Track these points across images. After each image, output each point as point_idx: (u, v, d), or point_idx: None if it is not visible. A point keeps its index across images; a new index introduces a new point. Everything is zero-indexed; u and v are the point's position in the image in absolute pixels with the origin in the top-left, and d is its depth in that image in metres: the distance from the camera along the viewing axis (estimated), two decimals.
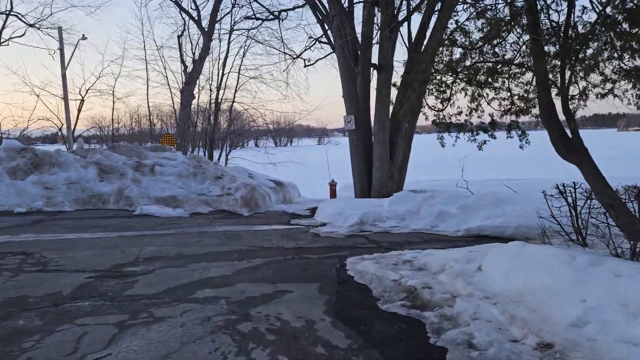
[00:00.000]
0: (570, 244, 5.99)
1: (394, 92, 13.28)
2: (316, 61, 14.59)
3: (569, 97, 7.08)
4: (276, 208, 13.47)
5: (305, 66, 14.55)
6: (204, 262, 6.89)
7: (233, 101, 22.42)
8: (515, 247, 5.02)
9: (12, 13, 23.21)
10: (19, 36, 23.35)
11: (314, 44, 13.89)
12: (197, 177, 14.07)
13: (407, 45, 12.96)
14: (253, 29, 21.79)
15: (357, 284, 5.86)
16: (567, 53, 6.64)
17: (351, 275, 6.26)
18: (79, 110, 21.44)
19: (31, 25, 23.56)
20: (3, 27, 23.00)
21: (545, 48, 7.13)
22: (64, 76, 17.77)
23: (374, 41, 13.46)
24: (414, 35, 12.89)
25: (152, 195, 12.97)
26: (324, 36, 14.00)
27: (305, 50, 14.20)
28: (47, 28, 21.94)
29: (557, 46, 6.93)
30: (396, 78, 13.66)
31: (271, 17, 18.99)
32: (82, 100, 21.51)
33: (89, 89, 22.05)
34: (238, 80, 22.36)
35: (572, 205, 6.02)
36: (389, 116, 13.10)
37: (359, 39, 13.22)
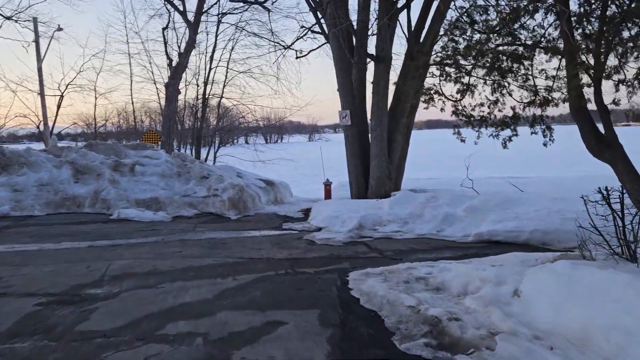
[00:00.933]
0: (616, 258, 4.94)
1: (391, 89, 12.24)
2: (309, 52, 13.47)
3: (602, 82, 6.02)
4: (267, 210, 12.35)
5: (297, 57, 13.44)
6: (180, 281, 5.75)
7: (221, 96, 21.22)
8: (564, 269, 3.96)
9: None
10: None
11: (306, 33, 12.81)
12: (182, 177, 12.91)
13: (407, 34, 11.88)
14: (241, 22, 20.53)
15: (365, 310, 4.77)
16: (603, 33, 5.59)
17: (356, 297, 5.17)
18: (58, 107, 20.17)
19: (8, 18, 22.15)
20: None
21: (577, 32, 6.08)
22: (39, 70, 16.50)
23: (371, 30, 12.37)
24: (413, 24, 11.82)
25: (131, 198, 11.79)
26: (316, 25, 12.89)
27: (297, 40, 13.15)
28: (25, 21, 20.51)
29: (591, 26, 5.88)
30: (393, 73, 12.60)
31: (259, 2, 17.83)
32: (62, 96, 20.24)
33: (68, 84, 20.74)
34: (226, 75, 21.14)
35: (618, 213, 4.96)
36: (387, 111, 12.02)
37: (355, 28, 12.11)
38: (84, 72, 27.28)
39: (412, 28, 11.73)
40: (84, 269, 6.30)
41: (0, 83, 28.92)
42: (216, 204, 11.83)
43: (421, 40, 11.85)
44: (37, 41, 16.60)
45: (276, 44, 15.51)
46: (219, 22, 20.74)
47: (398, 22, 11.91)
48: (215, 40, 20.92)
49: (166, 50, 19.77)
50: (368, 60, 12.28)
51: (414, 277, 5.64)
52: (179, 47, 20.64)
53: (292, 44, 13.12)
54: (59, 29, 16.95)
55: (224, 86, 21.29)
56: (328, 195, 12.13)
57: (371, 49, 12.13)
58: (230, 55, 20.95)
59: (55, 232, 8.99)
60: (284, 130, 65.92)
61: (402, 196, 10.72)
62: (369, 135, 12.33)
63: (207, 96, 21.19)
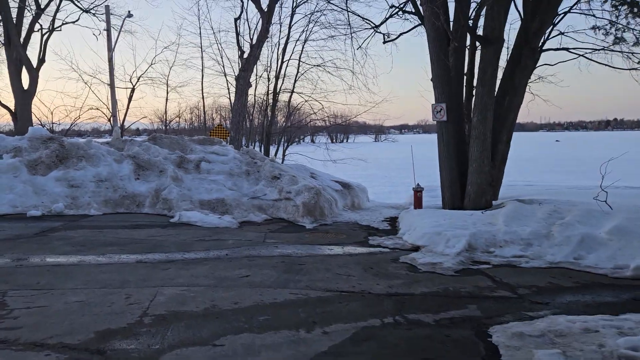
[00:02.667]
0: None
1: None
2: (398, 36, 11.38)
3: None
4: (345, 217, 10.39)
5: (384, 42, 11.39)
6: (248, 333, 3.86)
7: (292, 91, 19.50)
8: None
9: None
10: (73, 22, 21.31)
11: (396, 12, 10.69)
12: (251, 176, 11.19)
13: (521, 10, 9.56)
14: (317, 12, 18.68)
15: None
16: None
17: None
18: (130, 99, 19.23)
19: (86, 11, 21.51)
20: (57, 12, 21.05)
21: None
22: (110, 60, 15.40)
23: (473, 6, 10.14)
24: None
25: (195, 198, 10.18)
26: (409, 3, 10.75)
27: (385, 20, 10.97)
28: (103, 14, 19.67)
29: None
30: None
31: None
32: (133, 89, 19.29)
33: (140, 76, 19.77)
34: (298, 69, 19.40)
35: None
36: (493, 104, 9.74)
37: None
38: (156, 65, 26.45)
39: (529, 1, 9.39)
40: (122, 301, 4.55)
41: (74, 75, 28.51)
42: (288, 209, 10.00)
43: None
44: (108, 30, 15.51)
45: (364, 23, 13.45)
46: (294, 12, 19.04)
47: None
48: (289, 32, 19.23)
49: (238, 42, 18.28)
50: (473, 43, 10.06)
51: (608, 352, 3.47)
52: (251, 39, 19.12)
53: (381, 24, 11.16)
54: (129, 15, 15.82)
55: (295, 80, 19.57)
56: (418, 203, 10.00)
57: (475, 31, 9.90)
58: (303, 48, 19.19)
59: (105, 239, 7.41)
60: (349, 130, 64.15)
61: (515, 209, 8.44)
62: (471, 133, 10.09)
63: (278, 90, 19.53)
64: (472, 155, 9.90)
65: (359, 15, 17.82)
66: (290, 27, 19.20)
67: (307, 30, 19.09)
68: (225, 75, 20.84)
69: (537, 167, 31.70)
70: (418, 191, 9.99)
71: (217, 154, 11.66)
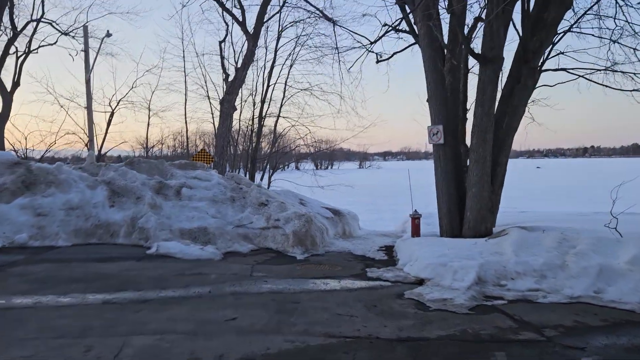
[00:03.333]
0: None
1: None
2: (392, 55, 10.84)
3: None
4: (337, 246, 9.62)
5: (377, 62, 10.83)
6: None
7: (278, 116, 18.86)
8: None
9: (43, 20, 20.51)
10: (51, 44, 20.55)
11: (388, 32, 10.16)
12: (236, 203, 10.38)
13: (519, 29, 9.09)
14: (303, 35, 18.22)
15: None
16: None
17: None
18: (109, 123, 18.34)
19: (65, 34, 20.80)
20: (33, 34, 20.29)
21: None
22: (87, 81, 14.59)
23: (469, 20, 9.66)
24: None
25: (175, 227, 9.32)
26: (402, 21, 10.22)
27: (378, 39, 10.42)
28: (82, 36, 18.95)
29: None
30: None
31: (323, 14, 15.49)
32: (112, 113, 18.44)
33: (120, 99, 18.95)
34: (284, 93, 18.81)
35: None
36: (492, 126, 9.17)
37: (455, 20, 9.38)
38: (137, 88, 25.46)
39: (529, 18, 8.92)
40: (79, 357, 3.70)
41: (50, 97, 27.46)
42: (277, 238, 9.20)
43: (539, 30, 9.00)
44: (86, 50, 14.75)
45: (354, 43, 12.91)
46: (280, 35, 18.55)
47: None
48: (275, 55, 18.70)
49: (223, 65, 17.67)
50: (462, 62, 9.54)
51: None
52: (236, 62, 18.54)
53: (375, 41, 10.50)
54: (108, 35, 15.11)
55: (282, 105, 18.96)
56: (416, 231, 9.28)
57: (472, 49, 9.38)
58: (289, 71, 18.66)
59: (70, 274, 6.51)
60: (334, 157, 63.75)
61: (522, 237, 7.77)
62: (470, 156, 9.48)
63: (263, 115, 18.89)
64: (471, 179, 9.28)
65: (352, 32, 17.34)
66: (276, 51, 18.70)
67: (293, 54, 18.60)
68: (209, 99, 20.16)
69: (525, 194, 31.38)
70: (416, 218, 9.28)
71: (200, 179, 10.85)
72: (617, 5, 9.42)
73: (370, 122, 21.85)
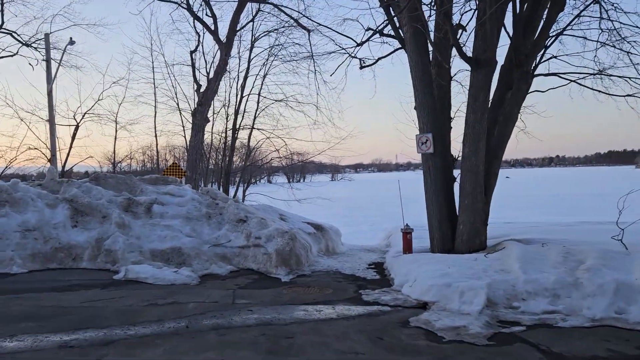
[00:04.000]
0: None
1: None
2: (376, 61, 10.17)
3: None
4: (323, 265, 8.85)
5: (361, 67, 10.17)
6: None
7: (252, 127, 18.02)
8: None
9: (3, 30, 19.22)
10: (11, 54, 19.25)
11: (373, 36, 9.51)
12: (212, 220, 9.51)
13: (512, 32, 8.59)
14: (277, 45, 17.52)
15: None
16: None
17: None
18: (73, 137, 17.16)
19: (26, 44, 19.53)
20: None
21: None
22: (49, 93, 13.52)
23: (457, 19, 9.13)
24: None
25: (146, 248, 8.39)
26: (388, 26, 9.61)
27: (362, 44, 9.76)
28: (44, 48, 17.80)
29: None
30: None
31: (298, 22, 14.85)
32: (77, 126, 17.29)
33: (85, 112, 17.79)
34: (258, 104, 18.02)
35: None
36: (485, 134, 8.63)
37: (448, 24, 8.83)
38: (103, 101, 23.97)
39: (521, 19, 8.43)
40: None
41: (9, 111, 25.76)
42: (259, 258, 8.38)
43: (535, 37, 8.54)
44: (48, 60, 13.70)
45: (332, 53, 12.23)
46: (253, 45, 17.82)
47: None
48: (248, 65, 17.93)
49: (194, 75, 16.79)
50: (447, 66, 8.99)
51: None
52: (208, 73, 17.69)
53: (360, 44, 9.80)
54: (71, 43, 14.07)
55: (255, 116, 18.14)
56: (408, 247, 8.58)
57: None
58: (263, 82, 17.90)
59: (21, 308, 5.54)
60: (306, 170, 63.15)
61: (525, 252, 7.18)
62: (462, 165, 8.89)
63: (237, 127, 18.05)
64: (463, 190, 8.69)
65: (336, 32, 16.65)
66: (249, 61, 17.93)
67: (267, 64, 17.87)
68: (180, 111, 19.20)
69: (501, 204, 31.24)
70: (407, 233, 8.59)
71: (173, 195, 9.94)
72: (602, 9, 9.06)
73: (348, 132, 21.20)
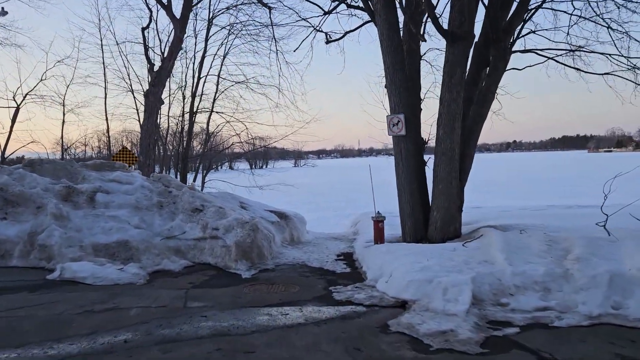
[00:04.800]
0: None
1: None
2: (344, 35, 9.33)
3: None
4: (288, 256, 8.05)
5: (327, 42, 9.30)
6: None
7: (211, 111, 16.91)
8: None
9: None
10: None
11: (339, 5, 8.63)
12: (164, 209, 8.53)
13: (487, 3, 7.92)
14: (237, 24, 16.38)
15: None
16: None
17: None
18: (13, 121, 15.61)
19: None
20: None
21: None
22: None
23: None
24: None
25: (87, 242, 7.36)
26: None
27: (329, 13, 8.90)
28: None
29: None
30: None
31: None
32: (18, 108, 15.74)
33: (27, 93, 16.22)
34: (218, 86, 16.91)
35: None
36: (461, 114, 7.98)
37: None
38: (48, 81, 21.72)
39: None
40: None
41: None
42: (216, 251, 7.49)
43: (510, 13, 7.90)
44: None
45: (294, 30, 11.29)
46: (210, 24, 16.65)
47: None
48: (206, 45, 16.76)
49: (147, 54, 15.51)
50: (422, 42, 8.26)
51: None
52: (163, 52, 16.44)
53: (326, 14, 8.92)
54: (3, 13, 12.57)
55: (215, 99, 17.04)
56: (380, 236, 7.85)
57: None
58: (222, 63, 16.79)
59: None
60: (268, 156, 62.01)
61: (505, 240, 6.57)
62: (435, 149, 8.22)
63: (195, 110, 16.90)
64: (437, 174, 8.04)
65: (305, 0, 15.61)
66: (207, 40, 16.75)
67: (226, 44, 16.74)
68: (132, 92, 17.89)
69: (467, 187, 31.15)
70: (379, 221, 7.85)
71: (120, 182, 8.87)
72: None
73: (312, 116, 20.34)
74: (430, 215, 8.19)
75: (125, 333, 4.21)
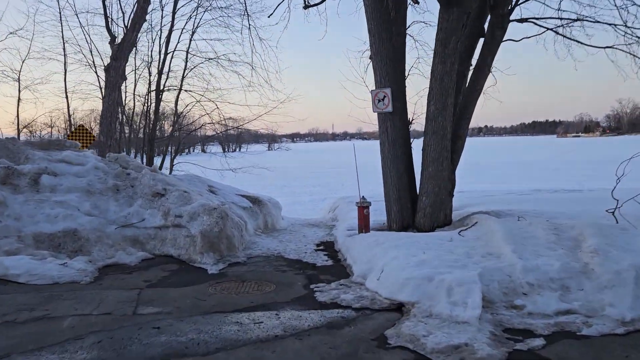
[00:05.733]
0: None
1: None
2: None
3: None
4: (262, 247, 7.06)
5: (305, 7, 8.22)
6: None
7: (180, 89, 15.58)
8: None
9: None
10: None
11: None
12: (121, 194, 7.40)
13: None
14: None
15: None
16: None
17: None
18: None
19: None
20: None
21: None
22: None
23: None
24: None
25: (28, 232, 6.22)
26: None
27: None
28: None
29: None
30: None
31: None
32: None
33: None
34: (186, 63, 15.57)
35: None
36: (454, 88, 7.07)
37: None
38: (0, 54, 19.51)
39: None
40: None
41: None
42: (179, 242, 6.45)
43: None
44: None
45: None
46: None
47: None
48: (173, 18, 15.36)
49: (107, 25, 14.05)
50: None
51: None
52: (126, 25, 14.98)
53: None
54: None
55: (184, 77, 15.69)
56: (365, 224, 6.91)
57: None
58: (191, 38, 15.43)
59: None
60: (241, 140, 60.58)
61: (507, 228, 5.73)
62: (425, 127, 7.31)
63: (162, 88, 15.57)
64: (427, 156, 7.15)
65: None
66: (174, 13, 15.34)
67: (196, 18, 15.39)
68: (95, 68, 16.37)
69: None
70: (364, 207, 6.91)
71: (69, 163, 7.68)
72: None
73: (286, 95, 19.14)
74: (419, 200, 7.31)
75: (47, 356, 3.17)
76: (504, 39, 7.48)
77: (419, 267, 4.69)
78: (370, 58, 7.62)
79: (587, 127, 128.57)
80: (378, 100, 7.42)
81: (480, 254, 5.10)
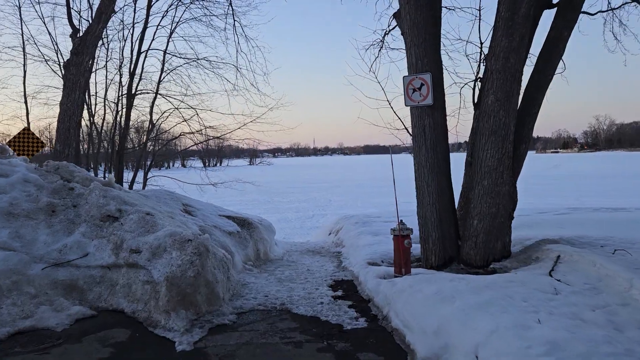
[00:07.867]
0: None
1: None
2: None
3: None
4: (256, 293, 4.84)
5: None
6: None
7: (156, 93, 13.31)
8: None
9: None
10: None
11: None
12: (58, 216, 5.13)
13: None
14: None
15: None
16: None
17: None
18: None
19: None
20: None
21: None
22: None
23: None
24: None
25: None
26: None
27: None
28: None
29: None
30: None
31: None
32: None
33: None
34: (164, 65, 13.33)
35: None
36: (522, 72, 5.08)
37: None
38: None
39: None
40: None
41: None
42: (136, 290, 4.20)
43: None
44: None
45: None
46: None
47: None
48: (147, 14, 13.17)
49: (69, 17, 11.75)
50: None
51: None
52: (93, 19, 12.72)
53: None
54: None
55: (160, 80, 13.42)
56: (404, 261, 4.73)
57: None
58: (169, 37, 13.22)
59: None
60: (222, 154, 58.00)
61: (622, 267, 3.66)
62: (475, 125, 5.25)
63: (134, 92, 13.29)
64: (482, 164, 5.10)
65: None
66: (149, 6, 13.16)
67: (175, 13, 13.24)
68: (62, 70, 13.97)
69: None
70: (404, 236, 4.74)
71: None
72: None
73: (275, 101, 16.99)
74: (468, 224, 5.24)
75: None
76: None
77: (549, 356, 2.55)
78: (402, 34, 5.56)
79: (565, 143, 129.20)
80: (413, 90, 5.35)
81: (626, 319, 3.00)
